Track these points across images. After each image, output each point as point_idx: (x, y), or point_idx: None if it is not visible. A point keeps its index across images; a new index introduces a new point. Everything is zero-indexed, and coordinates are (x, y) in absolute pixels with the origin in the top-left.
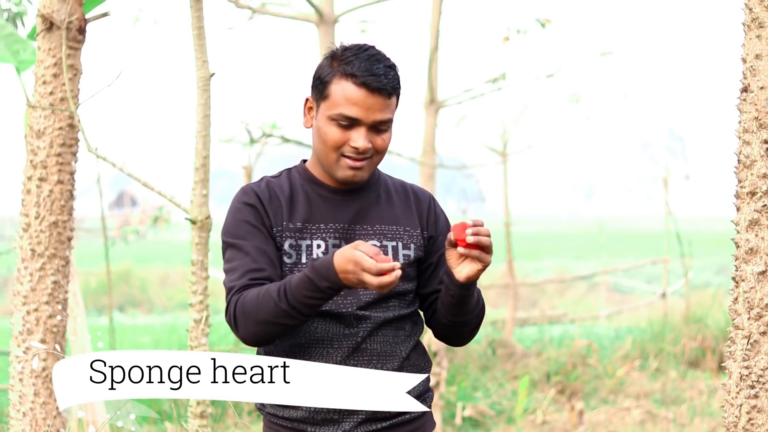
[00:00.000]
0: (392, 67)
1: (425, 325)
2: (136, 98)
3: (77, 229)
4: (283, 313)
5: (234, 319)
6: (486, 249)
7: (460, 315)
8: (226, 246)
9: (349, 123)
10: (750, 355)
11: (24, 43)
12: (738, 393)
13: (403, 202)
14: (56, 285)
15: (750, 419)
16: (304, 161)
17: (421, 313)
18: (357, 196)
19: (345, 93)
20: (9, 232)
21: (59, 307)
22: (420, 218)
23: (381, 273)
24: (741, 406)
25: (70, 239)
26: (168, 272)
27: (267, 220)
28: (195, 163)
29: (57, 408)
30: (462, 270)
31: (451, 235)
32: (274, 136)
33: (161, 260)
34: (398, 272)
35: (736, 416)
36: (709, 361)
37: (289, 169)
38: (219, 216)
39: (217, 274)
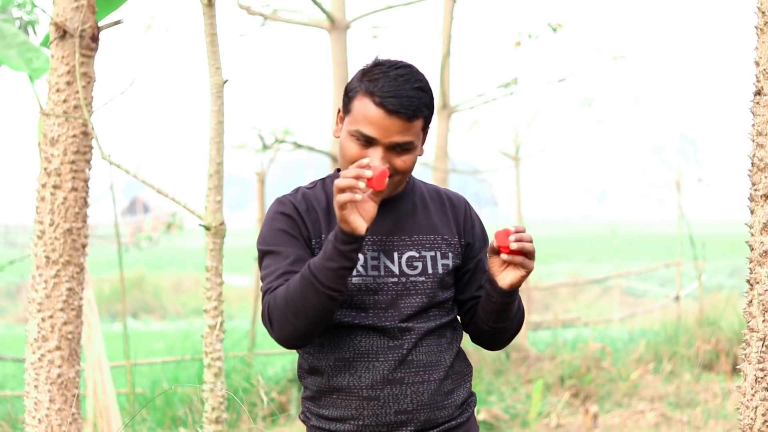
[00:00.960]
0: (421, 89)
1: (468, 333)
2: (149, 105)
3: (90, 236)
4: (311, 289)
5: (269, 317)
6: (529, 255)
7: (501, 321)
8: (263, 254)
9: (367, 141)
10: (765, 357)
11: (37, 51)
12: (753, 395)
13: (439, 210)
14: (71, 292)
15: (765, 421)
16: (338, 170)
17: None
18: (393, 206)
19: (364, 110)
20: (23, 240)
21: (74, 314)
22: (457, 225)
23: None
24: (756, 408)
25: (84, 246)
26: (181, 278)
27: (305, 231)
28: (209, 169)
29: (72, 414)
30: (505, 277)
31: (494, 242)
32: (287, 142)
33: (174, 266)
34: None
35: (752, 418)
36: (723, 363)
37: (323, 180)
38: (232, 222)
39: (231, 280)
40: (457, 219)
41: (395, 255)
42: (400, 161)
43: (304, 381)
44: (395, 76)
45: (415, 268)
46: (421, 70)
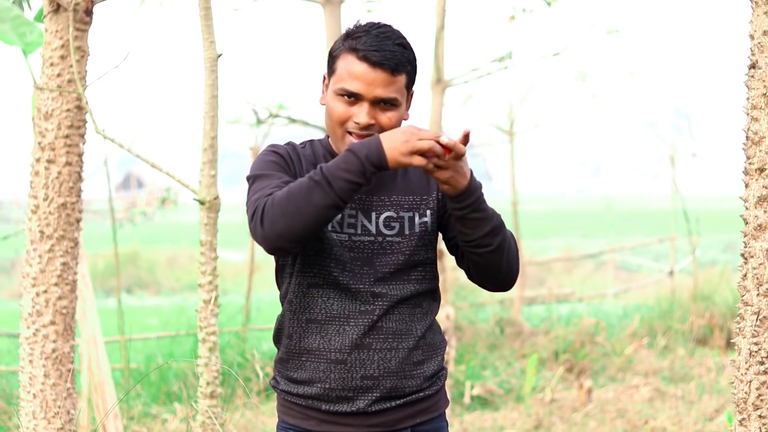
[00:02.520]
0: (402, 45)
1: (467, 275)
2: (144, 80)
3: (84, 211)
4: (317, 188)
5: (261, 215)
6: (456, 153)
7: (470, 235)
8: (254, 179)
9: (352, 98)
10: (759, 331)
11: (31, 25)
12: (747, 369)
13: (419, 170)
14: (65, 266)
15: (759, 395)
16: (328, 137)
17: (441, 285)
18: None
19: (348, 67)
20: (17, 215)
21: (68, 288)
22: (432, 180)
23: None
24: (750, 382)
25: (78, 221)
26: (175, 254)
27: (293, 170)
28: (203, 143)
29: (67, 389)
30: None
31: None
32: (281, 117)
33: (168, 242)
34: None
35: (746, 392)
36: (717, 338)
37: (312, 141)
38: (227, 197)
39: (225, 255)
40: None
41: (373, 214)
42: (386, 118)
43: (277, 344)
44: (377, 33)
45: (392, 228)
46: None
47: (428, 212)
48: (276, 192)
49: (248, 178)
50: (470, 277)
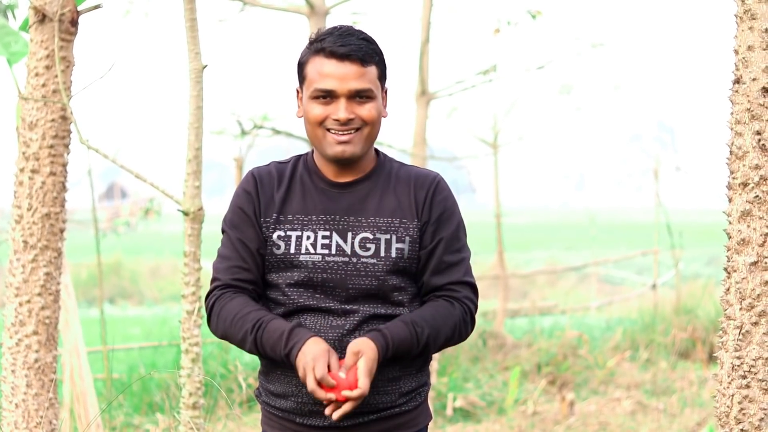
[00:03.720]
0: (367, 40)
1: None
2: (128, 90)
3: (68, 221)
4: (250, 344)
5: (209, 314)
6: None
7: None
8: (223, 230)
9: (327, 96)
10: (742, 345)
11: (15, 35)
12: (730, 383)
13: (404, 192)
14: (48, 276)
15: (741, 409)
16: (313, 151)
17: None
18: (355, 187)
19: (317, 68)
20: (0, 224)
21: (51, 298)
22: (417, 206)
23: (320, 386)
24: (733, 396)
25: (62, 231)
26: (158, 264)
27: (258, 209)
28: (187, 154)
29: (49, 399)
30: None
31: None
32: (265, 128)
33: (151, 252)
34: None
35: (728, 406)
36: (699, 351)
37: (299, 156)
38: (210, 207)
39: (208, 265)
40: (417, 200)
41: (349, 235)
42: (365, 110)
43: (260, 356)
44: (340, 33)
45: (368, 249)
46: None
47: (407, 239)
48: (227, 302)
49: (222, 228)
50: None
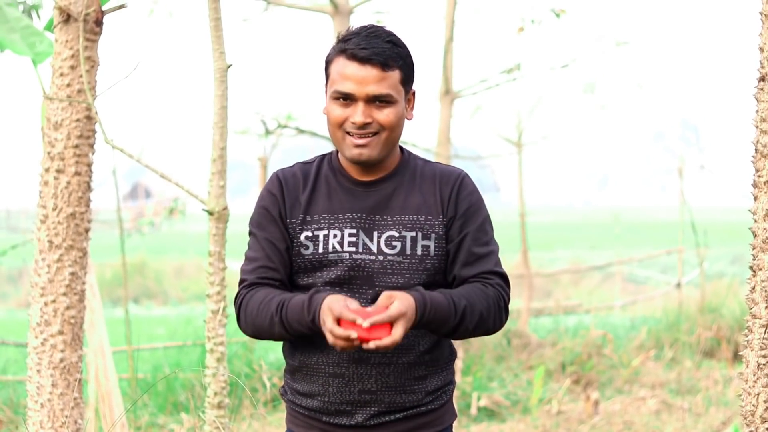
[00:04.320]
0: (393, 42)
1: None
2: (153, 90)
3: (93, 221)
4: (278, 325)
5: (237, 314)
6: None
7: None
8: (249, 232)
9: (347, 99)
10: (767, 344)
11: (40, 35)
12: (755, 382)
13: (429, 190)
14: (74, 276)
15: (767, 408)
16: (338, 152)
17: None
18: (380, 186)
19: (339, 69)
20: (24, 225)
21: (76, 298)
22: (442, 203)
23: (337, 333)
24: (758, 395)
25: (87, 231)
26: (183, 264)
27: (283, 211)
28: (212, 154)
29: (75, 399)
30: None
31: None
32: (289, 128)
33: (176, 252)
34: (352, 338)
35: (754, 405)
36: (724, 350)
37: (323, 156)
38: (235, 207)
39: (233, 265)
40: (443, 196)
41: (375, 233)
42: (383, 115)
43: (285, 356)
44: (367, 33)
45: (394, 247)
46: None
47: (433, 236)
48: (253, 297)
49: (249, 231)
50: None
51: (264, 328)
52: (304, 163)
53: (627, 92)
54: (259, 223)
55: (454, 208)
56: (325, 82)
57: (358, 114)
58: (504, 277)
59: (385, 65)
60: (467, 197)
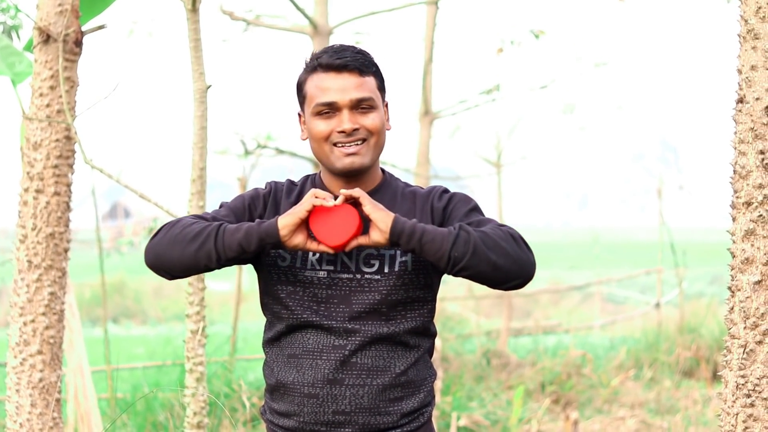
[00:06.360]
0: (361, 53)
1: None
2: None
3: (72, 241)
4: (207, 237)
5: (158, 231)
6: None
7: (429, 258)
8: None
9: (330, 109)
10: (746, 364)
11: (20, 55)
12: (734, 402)
13: (410, 207)
14: (53, 296)
15: (746, 428)
16: (320, 173)
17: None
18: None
19: (316, 83)
20: (4, 244)
21: (55, 318)
22: (421, 216)
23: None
24: (737, 414)
25: (66, 250)
26: (162, 283)
27: (261, 211)
28: (192, 174)
29: (54, 419)
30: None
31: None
32: (269, 148)
33: None
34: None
35: (732, 425)
36: (703, 370)
37: (308, 176)
38: None
39: (212, 285)
40: (424, 210)
41: (354, 251)
42: (369, 120)
43: (265, 376)
44: (334, 49)
45: (372, 265)
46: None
47: (409, 252)
48: (186, 218)
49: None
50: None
51: (185, 239)
52: (292, 181)
53: (606, 113)
54: (232, 206)
55: (440, 211)
56: (300, 107)
57: (345, 121)
58: (512, 228)
59: (361, 71)
60: (448, 198)
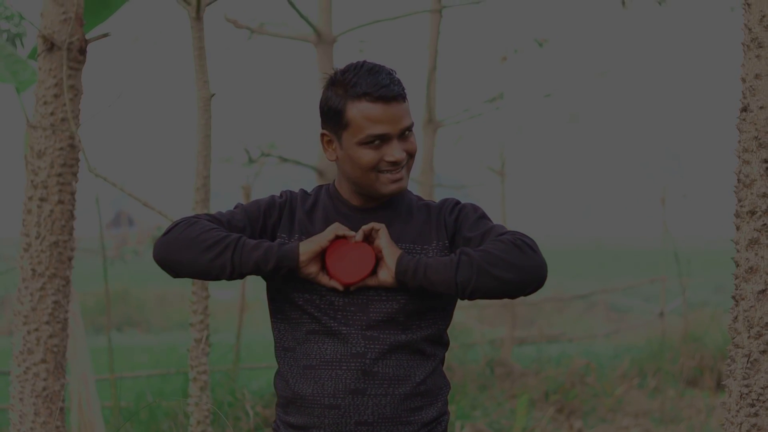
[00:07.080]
0: (392, 72)
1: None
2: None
3: (75, 249)
4: (227, 248)
5: (173, 226)
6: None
7: (453, 295)
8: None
9: (380, 140)
10: (750, 373)
11: (24, 63)
12: (738, 411)
13: (424, 220)
14: (57, 305)
15: None
16: (333, 182)
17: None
18: (376, 213)
19: (365, 114)
20: (9, 252)
21: (59, 326)
22: (437, 230)
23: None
24: (741, 424)
25: (70, 259)
26: (165, 292)
27: (275, 220)
28: (195, 183)
29: (57, 427)
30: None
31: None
32: (273, 156)
33: (159, 280)
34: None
35: None
36: (707, 379)
37: (321, 186)
38: None
39: (216, 294)
40: (437, 222)
41: None
42: (410, 144)
43: (277, 388)
44: (367, 71)
45: None
46: None
47: None
48: (203, 221)
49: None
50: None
51: (200, 244)
52: (306, 191)
53: (610, 121)
54: (246, 209)
55: (452, 226)
56: (332, 128)
57: (396, 151)
58: (517, 232)
59: (404, 97)
60: (459, 209)
